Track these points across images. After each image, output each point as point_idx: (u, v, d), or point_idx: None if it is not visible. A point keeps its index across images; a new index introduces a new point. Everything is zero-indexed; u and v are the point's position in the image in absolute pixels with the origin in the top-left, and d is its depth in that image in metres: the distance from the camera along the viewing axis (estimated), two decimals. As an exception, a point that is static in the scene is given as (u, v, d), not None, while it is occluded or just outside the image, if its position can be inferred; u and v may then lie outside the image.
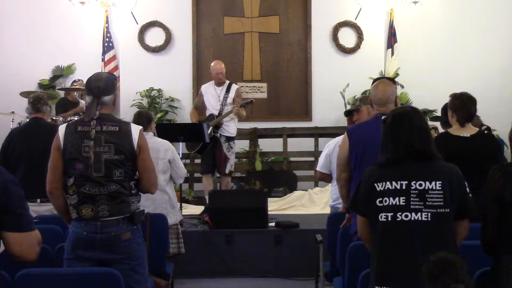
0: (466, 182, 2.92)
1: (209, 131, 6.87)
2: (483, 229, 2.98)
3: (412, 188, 2.84)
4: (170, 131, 6.91)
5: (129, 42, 9.65)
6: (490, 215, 2.93)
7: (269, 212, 6.49)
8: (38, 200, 4.92)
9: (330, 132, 8.26)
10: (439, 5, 10.03)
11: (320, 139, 8.51)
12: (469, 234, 2.99)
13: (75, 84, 8.65)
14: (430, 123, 6.39)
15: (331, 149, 4.86)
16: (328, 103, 9.53)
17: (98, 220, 3.25)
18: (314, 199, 7.94)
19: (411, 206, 2.83)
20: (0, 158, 5.14)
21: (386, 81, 4.17)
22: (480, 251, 3.01)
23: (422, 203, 2.83)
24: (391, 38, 9.85)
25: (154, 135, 5.43)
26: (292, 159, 8.78)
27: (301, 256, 5.96)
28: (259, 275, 6.05)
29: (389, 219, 2.85)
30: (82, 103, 7.86)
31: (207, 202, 6.76)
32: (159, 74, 9.59)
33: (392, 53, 9.78)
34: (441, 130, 5.62)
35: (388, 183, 2.87)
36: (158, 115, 9.21)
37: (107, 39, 9.69)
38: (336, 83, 9.35)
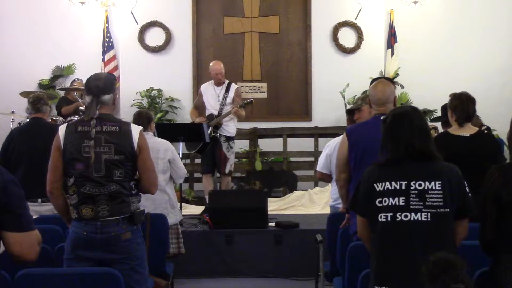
0: (465, 182, 2.92)
1: (209, 131, 6.87)
2: (481, 229, 2.98)
3: (411, 188, 2.84)
4: (170, 131, 6.91)
5: (129, 42, 9.65)
6: (489, 215, 2.93)
7: (269, 212, 6.49)
8: (39, 200, 4.92)
9: (330, 132, 8.26)
10: (439, 5, 10.03)
11: (320, 139, 8.51)
12: (469, 234, 2.98)
13: (75, 84, 8.66)
14: (430, 123, 6.40)
15: (332, 149, 4.85)
16: (328, 103, 9.53)
17: (98, 220, 3.26)
18: (314, 199, 7.94)
19: (411, 206, 2.83)
20: (0, 158, 5.15)
21: (385, 81, 4.16)
22: (480, 251, 3.01)
23: (421, 203, 2.82)
24: (391, 38, 9.85)
25: (154, 135, 5.43)
26: (292, 159, 8.78)
27: (301, 256, 5.96)
28: (259, 275, 6.06)
29: (389, 219, 2.85)
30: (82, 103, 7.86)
31: (207, 202, 6.76)
32: (159, 74, 9.59)
33: (392, 53, 9.79)
34: (441, 130, 5.62)
35: (387, 183, 2.86)
36: (158, 115, 9.21)
37: (107, 39, 9.69)
38: (336, 83, 9.35)
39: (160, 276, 4.46)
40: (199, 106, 7.42)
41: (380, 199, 2.87)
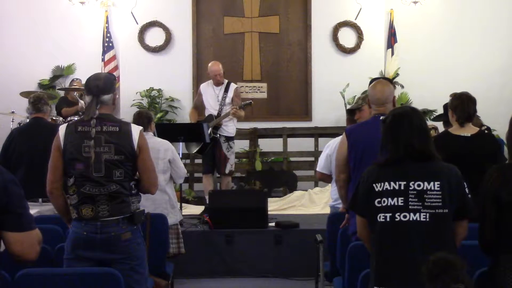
0: (465, 183, 2.92)
1: (208, 132, 6.86)
2: (481, 229, 2.98)
3: (410, 188, 2.84)
4: (170, 131, 6.91)
5: (129, 42, 9.65)
6: (488, 215, 2.92)
7: (269, 212, 6.49)
8: (40, 200, 4.92)
9: (330, 132, 8.26)
10: (439, 5, 10.02)
11: (320, 139, 8.51)
12: (468, 234, 2.99)
13: (74, 84, 8.65)
14: (430, 123, 6.39)
15: (332, 149, 4.84)
16: (328, 103, 9.53)
17: (98, 220, 3.26)
18: (314, 199, 7.94)
19: (410, 207, 2.83)
20: (1, 158, 5.16)
21: (384, 81, 4.15)
22: (480, 251, 3.01)
23: (420, 203, 2.83)
24: (391, 38, 9.85)
25: (154, 135, 5.43)
26: (292, 159, 8.78)
27: (301, 256, 5.96)
28: (259, 275, 6.06)
29: (388, 219, 2.85)
30: (82, 103, 7.85)
31: (207, 202, 6.76)
32: (159, 74, 9.59)
33: (392, 53, 9.78)
34: (442, 129, 5.62)
35: (386, 183, 2.87)
36: (158, 115, 9.21)
37: (107, 39, 9.69)
38: (336, 83, 9.35)
39: (160, 276, 4.46)
40: (198, 105, 7.42)
41: (379, 199, 2.87)
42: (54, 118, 7.32)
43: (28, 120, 5.78)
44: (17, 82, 9.23)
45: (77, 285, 3.04)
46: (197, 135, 6.84)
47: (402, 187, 2.85)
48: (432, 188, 2.83)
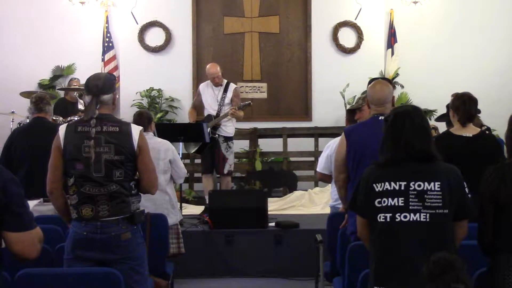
0: (465, 183, 2.91)
1: (208, 132, 6.86)
2: (479, 229, 2.98)
3: (410, 188, 2.84)
4: (170, 131, 6.90)
5: (129, 42, 9.65)
6: (486, 215, 2.92)
7: (269, 212, 6.49)
8: (41, 200, 4.92)
9: (330, 132, 8.26)
10: (439, 5, 10.03)
11: (320, 139, 8.51)
12: (468, 234, 2.98)
13: (74, 84, 8.63)
14: (430, 123, 6.39)
15: (332, 149, 4.83)
16: (328, 103, 9.53)
17: (98, 220, 3.26)
18: (314, 199, 7.94)
19: (410, 207, 2.83)
20: (3, 157, 5.15)
21: (383, 81, 4.14)
22: (479, 251, 3.01)
23: (420, 203, 2.82)
24: (391, 38, 9.85)
25: (154, 135, 5.43)
26: (292, 159, 8.77)
27: (301, 256, 5.96)
28: (259, 275, 6.06)
29: (388, 219, 2.85)
30: (81, 103, 7.84)
31: (207, 202, 6.76)
32: (159, 74, 9.59)
33: (392, 53, 9.78)
34: (444, 128, 5.61)
35: (387, 183, 2.86)
36: (158, 115, 9.21)
37: (107, 39, 9.69)
38: (336, 83, 9.35)
39: (160, 276, 4.46)
40: (197, 105, 7.42)
41: (380, 199, 2.87)
42: (54, 118, 7.31)
43: (28, 120, 5.78)
44: (17, 82, 9.23)
45: (77, 285, 3.04)
46: (197, 135, 6.83)
47: (403, 187, 2.84)
48: (433, 189, 2.82)
